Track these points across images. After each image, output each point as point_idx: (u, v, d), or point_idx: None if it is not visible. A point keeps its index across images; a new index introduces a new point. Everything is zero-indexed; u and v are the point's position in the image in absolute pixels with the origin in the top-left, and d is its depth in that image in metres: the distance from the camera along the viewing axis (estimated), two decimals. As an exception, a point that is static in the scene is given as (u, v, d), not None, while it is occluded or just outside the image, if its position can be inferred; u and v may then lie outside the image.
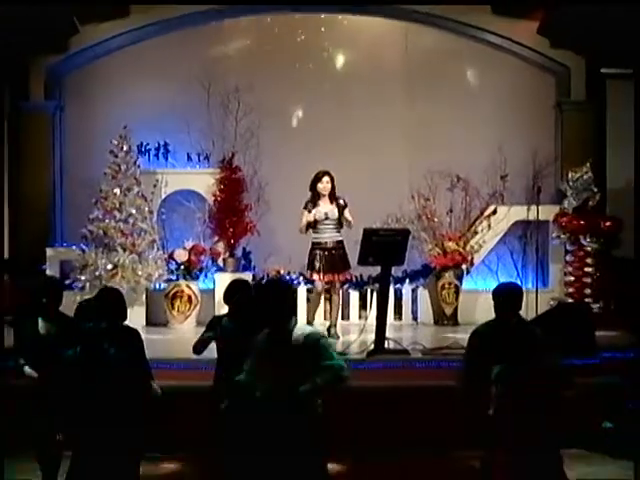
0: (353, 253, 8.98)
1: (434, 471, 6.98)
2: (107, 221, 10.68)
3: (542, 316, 9.06)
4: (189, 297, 10.99)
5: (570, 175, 11.12)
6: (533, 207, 11.09)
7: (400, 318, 11.28)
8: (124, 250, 10.63)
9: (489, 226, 11.50)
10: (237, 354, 5.28)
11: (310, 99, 12.09)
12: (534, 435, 5.33)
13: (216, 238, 11.40)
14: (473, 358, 5.55)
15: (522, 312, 5.62)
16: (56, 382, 5.51)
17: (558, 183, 11.60)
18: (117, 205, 10.71)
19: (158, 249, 10.96)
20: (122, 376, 5.33)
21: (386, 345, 8.70)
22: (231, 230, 11.26)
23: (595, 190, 11.09)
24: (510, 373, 5.32)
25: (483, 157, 11.49)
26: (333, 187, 9.55)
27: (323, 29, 12.15)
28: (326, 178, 9.54)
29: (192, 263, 11.09)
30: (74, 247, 10.89)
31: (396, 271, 10.34)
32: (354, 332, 9.87)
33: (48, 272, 10.75)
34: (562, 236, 11.13)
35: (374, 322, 8.87)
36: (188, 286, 11.02)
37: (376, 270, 9.46)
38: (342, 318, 11.02)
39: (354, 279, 11.04)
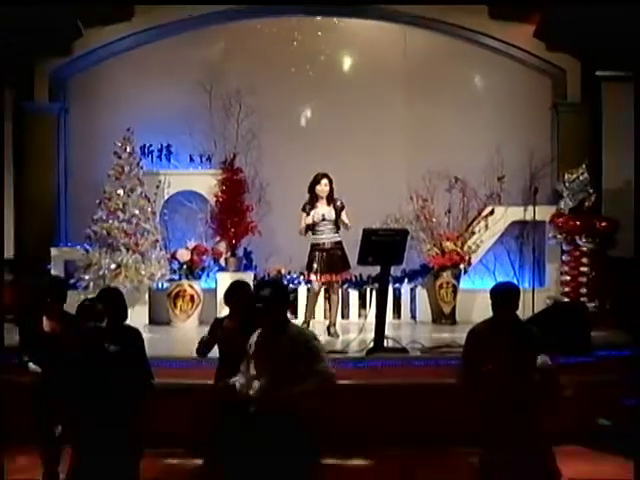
0: (353, 253, 8.96)
1: (433, 468, 6.96)
2: (111, 221, 10.67)
3: (538, 315, 9.05)
4: (191, 296, 10.98)
5: (566, 176, 11.11)
6: (530, 208, 11.10)
7: (399, 317, 11.28)
8: (127, 250, 10.63)
9: (486, 226, 11.49)
10: (238, 355, 5.27)
11: (310, 101, 12.08)
12: (526, 433, 5.31)
13: (218, 238, 11.39)
14: (470, 356, 5.54)
15: (519, 311, 5.61)
16: (58, 380, 5.49)
17: (554, 184, 11.59)
18: (120, 206, 10.71)
19: (161, 249, 10.96)
20: (122, 375, 5.30)
21: (385, 343, 8.69)
22: (233, 230, 11.25)
23: (591, 191, 11.08)
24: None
25: (481, 158, 11.48)
26: (331, 189, 9.61)
27: (323, 33, 12.11)
28: (325, 180, 9.58)
29: (194, 263, 11.09)
30: (78, 247, 10.89)
31: (395, 271, 10.33)
32: (354, 331, 9.86)
33: (53, 272, 10.75)
34: (558, 236, 11.13)
35: (373, 321, 8.86)
36: (190, 285, 11.01)
37: (375, 270, 9.45)
38: (342, 317, 11.04)
39: (354, 279, 11.06)
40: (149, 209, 10.93)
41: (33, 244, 11.26)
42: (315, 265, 9.50)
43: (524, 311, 9.35)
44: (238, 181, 11.42)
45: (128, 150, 10.87)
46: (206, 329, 6.33)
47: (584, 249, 10.98)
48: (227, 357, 5.83)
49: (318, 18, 12.11)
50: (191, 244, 11.19)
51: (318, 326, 10.25)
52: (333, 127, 11.96)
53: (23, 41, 10.53)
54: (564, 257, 11.17)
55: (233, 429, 5.09)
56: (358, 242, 8.69)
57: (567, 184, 11.08)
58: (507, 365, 5.32)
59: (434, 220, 11.32)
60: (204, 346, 6.24)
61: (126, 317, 5.73)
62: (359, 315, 11.17)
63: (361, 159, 11.79)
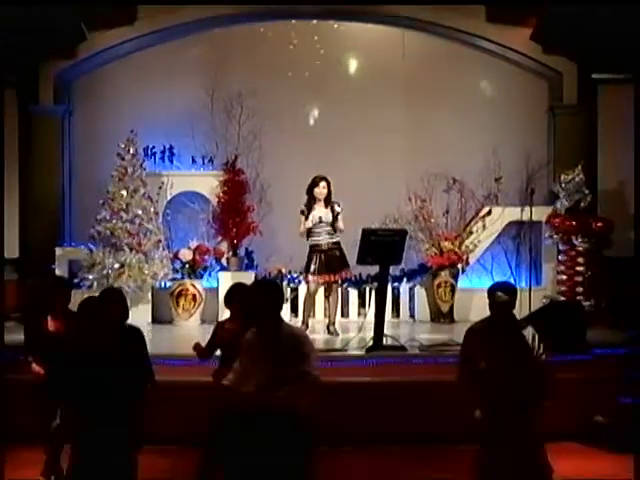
0: (352, 253, 8.95)
1: (433, 464, 6.95)
2: (114, 222, 10.68)
3: (535, 313, 9.03)
4: (193, 295, 10.97)
5: (562, 177, 11.10)
6: (526, 208, 11.07)
7: (398, 316, 11.27)
8: (131, 250, 10.63)
9: (484, 227, 11.48)
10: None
11: (311, 104, 12.07)
12: (521, 431, 5.28)
13: (220, 238, 11.38)
14: (468, 354, 5.52)
15: (516, 309, 5.60)
16: (60, 378, 5.46)
17: (551, 185, 11.58)
18: (124, 206, 10.71)
19: (163, 249, 10.96)
20: (123, 373, 5.27)
21: (384, 342, 8.69)
22: (234, 230, 11.24)
23: (586, 192, 11.06)
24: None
25: (478, 160, 11.46)
26: (329, 192, 9.65)
27: (323, 36, 12.10)
28: (323, 183, 9.63)
29: (196, 262, 11.08)
30: (82, 247, 10.88)
31: (394, 270, 10.33)
32: (353, 329, 9.85)
33: (57, 271, 10.74)
34: (554, 236, 11.11)
35: (373, 319, 8.85)
36: (192, 285, 11.01)
37: (375, 269, 9.45)
38: (342, 316, 11.04)
39: (353, 278, 11.05)
40: (152, 209, 10.93)
41: (38, 244, 11.25)
42: (313, 266, 9.56)
43: (521, 310, 9.36)
44: (239, 182, 11.42)
45: (131, 151, 10.87)
46: (208, 327, 6.32)
47: (580, 249, 10.96)
48: (228, 358, 5.82)
49: (318, 22, 12.09)
50: (193, 244, 11.18)
51: (318, 325, 10.27)
52: (333, 129, 11.96)
53: (28, 44, 10.53)
54: (560, 257, 11.16)
55: (232, 429, 5.06)
56: (358, 242, 8.69)
57: (563, 185, 11.07)
58: (503, 363, 5.30)
59: (432, 220, 11.31)
60: (206, 350, 6.22)
61: (127, 316, 5.72)
62: (359, 314, 11.16)
63: (361, 160, 11.78)
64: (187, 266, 11.06)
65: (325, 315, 10.29)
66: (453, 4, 11.36)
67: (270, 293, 5.14)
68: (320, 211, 9.59)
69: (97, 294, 5.90)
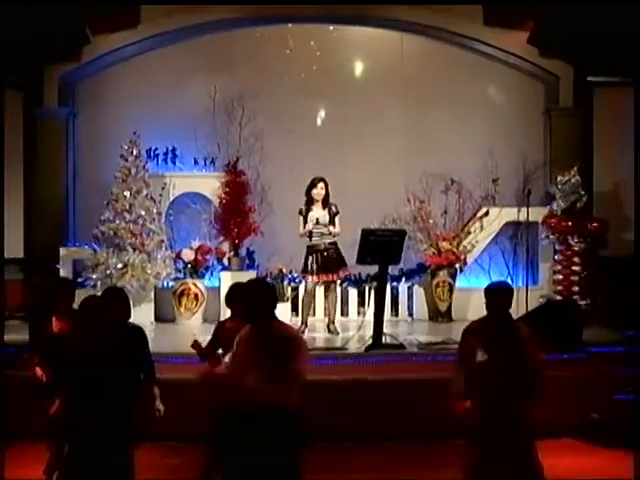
0: (352, 253, 8.95)
1: (432, 461, 6.95)
2: (117, 222, 10.68)
3: (532, 312, 9.04)
4: (195, 294, 10.97)
5: (558, 178, 11.09)
6: (523, 209, 11.09)
7: (397, 314, 11.28)
8: (134, 250, 10.63)
9: (481, 227, 11.48)
10: None
11: (311, 106, 12.06)
12: (514, 428, 5.28)
13: (221, 238, 11.38)
14: (465, 353, 5.52)
15: (513, 309, 5.60)
16: (62, 376, 5.44)
17: (547, 186, 11.58)
18: (127, 207, 10.71)
19: (166, 249, 10.97)
20: (123, 373, 5.24)
21: (383, 340, 8.70)
22: (236, 231, 11.24)
23: (582, 193, 11.06)
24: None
25: (476, 161, 11.48)
26: (327, 193, 9.68)
27: (323, 40, 12.10)
28: (321, 184, 9.67)
29: (198, 262, 11.09)
30: (86, 247, 10.89)
31: (393, 270, 10.33)
32: (353, 328, 9.85)
33: (61, 271, 10.76)
34: (551, 236, 11.12)
35: (372, 318, 8.85)
36: (195, 284, 11.01)
37: (374, 269, 9.45)
38: (341, 314, 11.05)
39: (353, 277, 11.08)
40: (155, 210, 10.93)
41: (42, 244, 11.24)
42: (310, 266, 9.63)
43: (518, 309, 9.37)
44: (241, 183, 11.41)
45: (134, 153, 10.87)
46: (210, 326, 6.31)
47: (576, 249, 10.96)
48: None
49: (317, 26, 12.08)
50: (195, 244, 11.19)
51: (318, 324, 10.28)
52: (333, 131, 11.97)
53: (33, 48, 10.54)
54: (556, 257, 11.16)
55: (232, 429, 5.04)
56: (357, 242, 8.70)
57: (559, 186, 11.06)
58: (499, 362, 5.29)
59: (431, 221, 11.32)
60: (207, 349, 6.20)
61: (130, 315, 5.70)
62: (358, 313, 11.16)
63: (360, 162, 11.79)
64: (189, 266, 11.07)
65: (325, 314, 10.29)
66: (448, 4, 11.34)
67: (262, 292, 5.15)
68: (318, 212, 9.63)
69: (95, 292, 5.88)
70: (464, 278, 11.48)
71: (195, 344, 6.13)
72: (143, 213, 10.75)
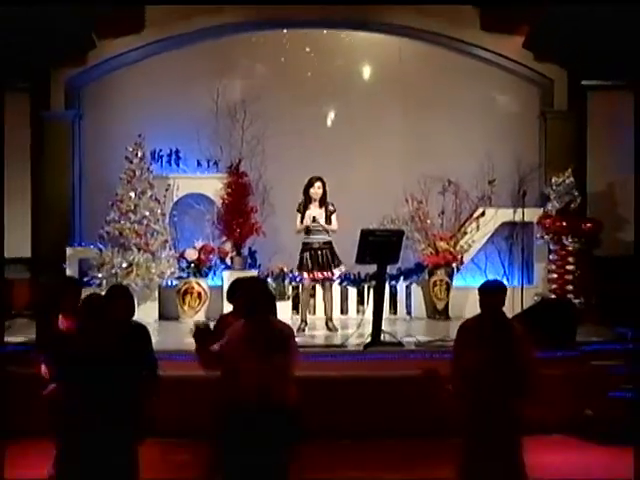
0: (352, 252, 8.94)
1: (428, 455, 6.94)
2: (123, 222, 10.67)
3: (527, 311, 9.04)
4: (199, 293, 10.96)
5: (553, 180, 11.09)
6: (519, 210, 11.09)
7: (395, 313, 11.26)
8: (138, 249, 10.63)
9: (478, 227, 11.48)
10: None
11: (311, 109, 12.04)
12: (504, 427, 5.25)
13: (224, 238, 11.37)
14: (459, 350, 5.50)
15: (510, 307, 5.58)
16: (67, 374, 5.41)
17: (542, 187, 11.57)
18: (132, 208, 10.71)
19: (170, 248, 10.97)
20: (128, 369, 5.22)
21: (382, 338, 8.69)
22: (238, 231, 11.23)
23: (576, 194, 11.05)
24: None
25: (472, 163, 11.47)
26: (324, 192, 9.68)
27: (322, 45, 12.09)
28: (318, 184, 9.66)
29: (202, 261, 11.08)
30: (92, 247, 10.89)
31: (391, 269, 10.30)
32: (352, 326, 9.84)
33: (68, 270, 10.75)
34: (546, 236, 11.11)
35: (371, 317, 8.85)
36: (198, 283, 11.00)
37: (373, 268, 9.44)
38: (341, 313, 11.06)
39: (352, 276, 11.07)
40: (159, 211, 10.93)
41: (49, 244, 11.23)
42: (304, 263, 9.62)
43: (514, 307, 9.39)
44: (243, 184, 11.41)
45: (139, 155, 10.87)
46: (212, 325, 6.28)
47: (570, 248, 10.96)
48: None
49: (319, 31, 12.07)
50: (199, 244, 11.18)
51: (318, 322, 10.27)
52: (333, 133, 11.98)
53: (39, 52, 10.57)
54: (551, 256, 11.15)
55: (232, 428, 5.01)
56: (357, 242, 8.69)
57: (554, 187, 11.06)
58: (492, 360, 5.25)
59: (428, 221, 11.31)
60: (209, 337, 6.16)
61: (133, 313, 5.68)
62: (357, 311, 11.15)
63: (360, 164, 11.78)
64: (193, 265, 11.06)
65: (325, 312, 10.29)
66: (442, 4, 11.33)
67: (262, 290, 5.15)
68: (315, 211, 9.61)
69: (98, 291, 5.85)
70: (461, 277, 11.48)
71: (200, 328, 5.63)
72: (147, 214, 10.75)
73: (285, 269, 11.14)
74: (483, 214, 11.47)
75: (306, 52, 12.03)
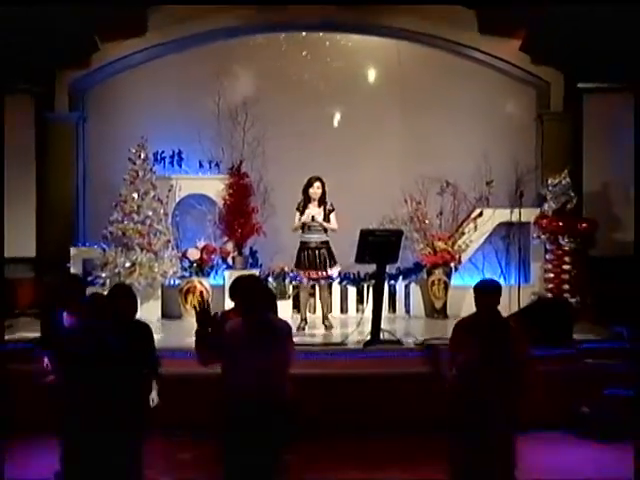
0: (351, 252, 8.94)
1: (427, 451, 6.94)
2: (126, 223, 10.67)
3: (524, 309, 9.03)
4: (201, 292, 10.95)
5: (550, 181, 11.09)
6: (516, 210, 11.09)
7: (394, 311, 11.27)
8: (141, 249, 10.63)
9: (475, 227, 11.47)
10: None
11: (311, 111, 12.03)
12: (498, 424, 5.24)
13: (226, 238, 11.37)
14: (455, 348, 5.50)
15: (507, 306, 5.58)
16: (70, 373, 5.40)
17: (539, 188, 11.57)
18: (135, 208, 10.70)
19: (172, 248, 10.96)
20: (131, 367, 5.21)
21: (381, 336, 8.70)
22: (239, 231, 11.23)
23: (572, 194, 11.05)
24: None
25: (470, 164, 11.46)
26: (323, 192, 9.67)
27: (322, 47, 12.09)
28: (317, 184, 9.65)
29: (204, 261, 11.08)
30: (96, 247, 10.88)
31: (390, 268, 10.30)
32: (352, 324, 9.84)
33: (72, 270, 10.74)
34: (542, 236, 11.11)
35: (370, 315, 8.85)
36: (200, 282, 11.00)
37: (372, 267, 9.43)
38: (341, 311, 11.09)
39: (352, 276, 11.08)
40: (162, 211, 10.92)
41: (54, 244, 11.23)
42: (302, 262, 9.62)
43: (510, 306, 9.37)
44: (244, 185, 11.41)
45: (142, 156, 10.86)
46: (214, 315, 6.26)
47: (566, 248, 10.95)
48: None
49: (317, 34, 12.08)
50: (201, 244, 11.18)
51: (318, 321, 10.26)
52: (333, 134, 11.97)
53: (44, 55, 10.59)
54: (548, 256, 11.15)
55: (233, 428, 5.01)
56: (356, 242, 8.69)
57: (550, 188, 11.06)
58: (487, 358, 5.25)
59: (427, 221, 11.31)
60: (211, 325, 6.14)
61: (136, 312, 5.68)
62: (357, 310, 11.14)
63: (359, 164, 11.77)
64: (195, 265, 11.06)
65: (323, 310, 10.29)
66: (437, 4, 11.32)
67: (262, 289, 5.15)
68: (314, 210, 9.60)
69: (102, 290, 5.85)
70: (459, 276, 11.48)
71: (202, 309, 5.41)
72: (150, 214, 10.74)
73: (286, 269, 11.14)
74: (481, 214, 11.47)
75: (305, 55, 12.03)
